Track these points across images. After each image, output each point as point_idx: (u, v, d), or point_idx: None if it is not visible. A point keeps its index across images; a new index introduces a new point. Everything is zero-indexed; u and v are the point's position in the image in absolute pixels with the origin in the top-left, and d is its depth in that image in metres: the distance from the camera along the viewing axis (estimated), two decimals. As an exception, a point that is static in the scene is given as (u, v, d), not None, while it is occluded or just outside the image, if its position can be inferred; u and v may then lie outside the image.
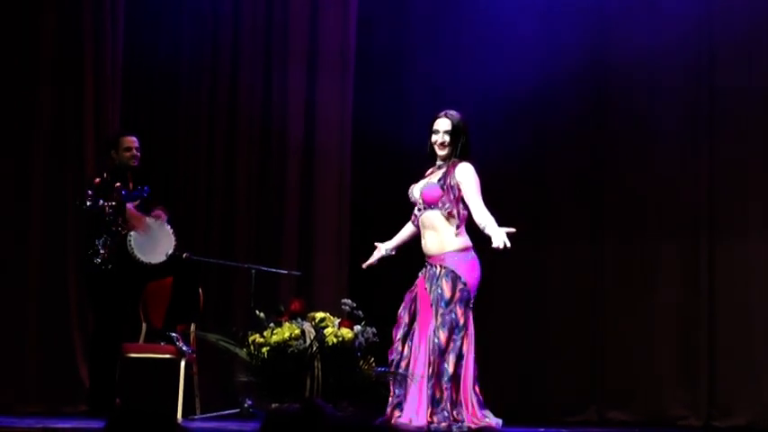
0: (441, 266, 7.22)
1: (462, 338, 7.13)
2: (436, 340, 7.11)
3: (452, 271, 7.18)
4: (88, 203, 8.08)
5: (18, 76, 9.21)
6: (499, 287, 9.78)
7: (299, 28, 9.98)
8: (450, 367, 7.09)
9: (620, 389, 9.79)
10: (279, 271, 9.16)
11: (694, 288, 9.70)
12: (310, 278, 9.69)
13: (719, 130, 9.73)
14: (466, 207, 7.23)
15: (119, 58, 9.43)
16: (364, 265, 7.74)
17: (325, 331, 7.45)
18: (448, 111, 7.39)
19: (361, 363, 7.54)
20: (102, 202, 8.09)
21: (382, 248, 7.69)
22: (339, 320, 7.61)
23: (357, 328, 7.54)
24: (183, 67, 9.88)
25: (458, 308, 7.14)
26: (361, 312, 7.63)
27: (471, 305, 7.20)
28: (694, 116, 9.79)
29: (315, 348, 7.39)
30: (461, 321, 7.14)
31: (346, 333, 7.47)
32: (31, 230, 9.16)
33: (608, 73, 9.96)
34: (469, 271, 7.20)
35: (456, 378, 7.09)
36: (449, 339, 7.10)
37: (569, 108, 9.98)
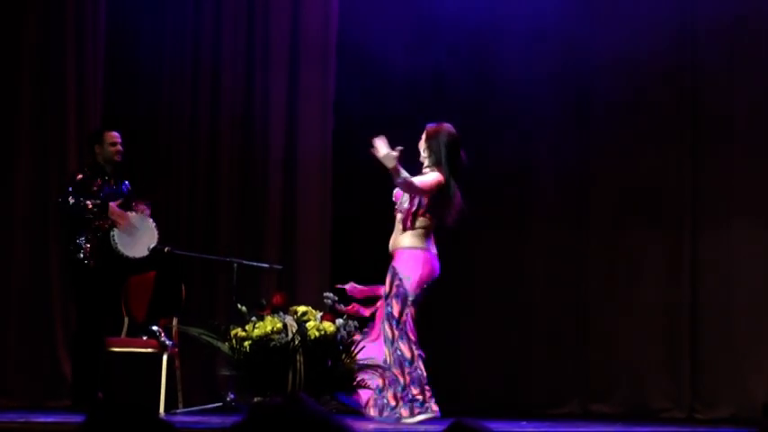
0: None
1: (401, 331, 7.18)
2: (386, 333, 7.26)
3: (394, 267, 7.31)
4: (71, 201, 8.08)
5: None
6: (483, 279, 9.80)
7: (281, 23, 9.96)
8: (406, 353, 7.17)
9: (604, 381, 9.81)
10: (261, 265, 9.16)
11: (678, 281, 9.74)
12: (292, 272, 9.68)
13: (704, 124, 9.77)
14: (425, 213, 7.29)
15: (100, 55, 9.42)
16: None
17: (307, 325, 7.45)
18: (430, 123, 7.47)
19: (344, 356, 7.54)
20: (83, 200, 8.08)
21: None
22: (321, 314, 7.62)
23: (339, 321, 7.54)
24: (165, 62, 9.86)
25: (394, 302, 7.25)
26: (343, 306, 7.64)
27: (410, 302, 7.24)
28: (678, 112, 9.82)
29: (297, 342, 7.39)
30: (396, 315, 7.21)
31: (328, 326, 7.46)
32: (13, 226, 9.15)
33: (592, 68, 9.96)
34: (412, 269, 7.26)
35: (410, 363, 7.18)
36: (392, 330, 7.22)
37: (553, 101, 9.98)
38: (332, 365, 7.44)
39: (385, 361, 7.22)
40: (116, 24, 9.59)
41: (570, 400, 9.83)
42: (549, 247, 10.01)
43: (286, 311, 7.58)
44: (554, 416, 9.53)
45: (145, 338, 8.31)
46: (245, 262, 8.95)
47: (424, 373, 7.20)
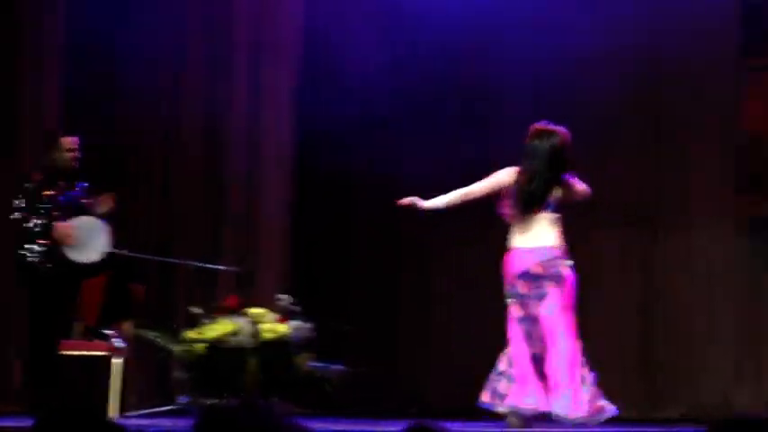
0: None
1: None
2: None
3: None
4: (15, 216, 8.04)
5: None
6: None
7: (244, 20, 9.92)
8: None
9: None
10: (217, 267, 9.11)
11: (630, 281, 9.79)
12: (252, 274, 9.63)
13: (665, 129, 9.86)
14: (507, 210, 7.40)
15: (57, 52, 9.35)
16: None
17: (261, 326, 7.44)
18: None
19: (297, 358, 7.54)
20: (28, 217, 8.04)
21: None
22: (276, 316, 7.61)
23: (293, 323, 7.54)
24: (128, 63, 9.76)
25: None
26: (298, 308, 7.63)
27: (508, 300, 7.36)
28: (640, 113, 9.89)
29: (250, 344, 7.38)
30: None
31: (282, 328, 7.47)
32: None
33: (564, 75, 9.96)
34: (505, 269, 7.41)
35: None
36: None
37: (516, 102, 9.96)
38: (286, 366, 7.44)
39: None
40: (75, 20, 9.48)
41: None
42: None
43: (240, 314, 7.57)
44: (497, 416, 9.52)
45: (97, 342, 8.25)
46: (201, 264, 8.90)
47: (511, 370, 7.42)
